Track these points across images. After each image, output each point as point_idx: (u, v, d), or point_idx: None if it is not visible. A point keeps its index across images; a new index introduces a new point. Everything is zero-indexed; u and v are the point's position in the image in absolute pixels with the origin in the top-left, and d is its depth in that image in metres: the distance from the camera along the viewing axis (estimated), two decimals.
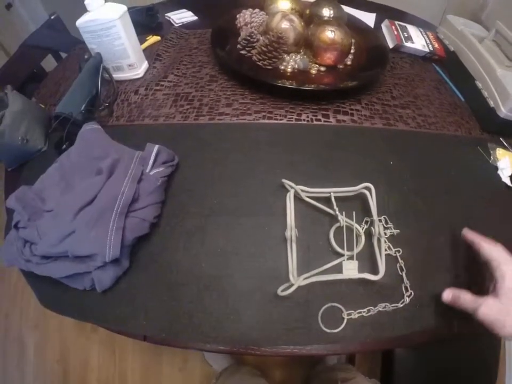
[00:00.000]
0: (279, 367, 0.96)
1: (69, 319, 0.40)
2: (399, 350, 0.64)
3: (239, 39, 0.56)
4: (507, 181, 0.51)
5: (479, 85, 0.61)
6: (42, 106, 0.61)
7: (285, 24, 0.54)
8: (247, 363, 0.90)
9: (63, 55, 0.75)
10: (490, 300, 0.33)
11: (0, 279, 1.08)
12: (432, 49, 0.67)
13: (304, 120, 0.52)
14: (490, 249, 0.36)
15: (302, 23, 0.56)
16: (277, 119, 0.52)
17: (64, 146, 0.52)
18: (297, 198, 0.43)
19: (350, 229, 0.41)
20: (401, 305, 0.38)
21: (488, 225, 0.44)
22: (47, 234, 0.39)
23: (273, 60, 0.53)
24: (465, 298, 0.35)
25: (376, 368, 0.71)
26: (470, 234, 0.40)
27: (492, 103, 0.58)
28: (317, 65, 0.57)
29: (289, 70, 0.56)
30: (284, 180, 0.42)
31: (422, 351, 0.64)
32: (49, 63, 0.75)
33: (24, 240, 0.41)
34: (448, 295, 0.37)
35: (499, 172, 0.52)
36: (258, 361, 0.92)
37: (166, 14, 0.74)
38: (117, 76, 0.60)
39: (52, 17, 0.76)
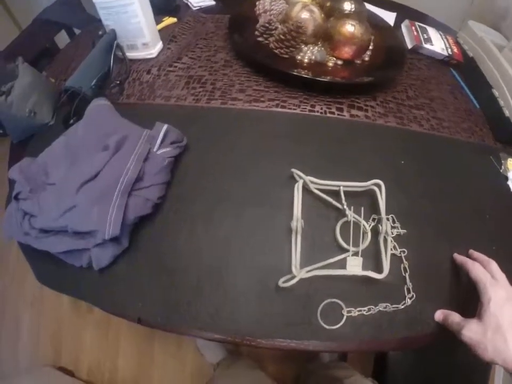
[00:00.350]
0: (272, 361, 0.95)
1: (65, 299, 0.40)
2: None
3: (257, 25, 0.55)
4: None
5: (496, 93, 0.60)
6: (53, 80, 0.61)
7: (304, 14, 0.53)
8: (241, 355, 0.90)
9: (77, 31, 0.74)
10: (474, 323, 0.33)
11: None
12: (450, 53, 0.66)
13: (317, 111, 0.51)
14: (478, 272, 0.36)
15: (323, 15, 0.55)
16: (290, 108, 0.51)
17: (72, 121, 0.51)
18: (305, 189, 0.42)
19: (356, 225, 0.40)
20: (402, 307, 0.37)
21: (495, 235, 0.43)
22: (48, 207, 0.39)
23: (291, 49, 0.52)
24: (452, 319, 0.35)
25: (368, 366, 0.70)
26: (459, 258, 0.40)
27: (507, 113, 0.57)
28: (334, 59, 0.56)
29: (306, 60, 0.55)
30: (293, 170, 0.42)
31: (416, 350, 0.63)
32: (62, 39, 0.74)
33: (24, 213, 0.40)
34: (439, 315, 0.37)
35: (509, 182, 0.51)
36: (252, 354, 0.91)
37: None
38: (130, 54, 0.60)
39: None
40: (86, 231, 0.37)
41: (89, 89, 0.52)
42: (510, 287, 0.35)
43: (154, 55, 0.60)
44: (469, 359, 0.63)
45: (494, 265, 0.37)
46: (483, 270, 0.36)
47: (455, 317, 0.35)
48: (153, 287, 0.37)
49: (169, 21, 0.66)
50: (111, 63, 0.56)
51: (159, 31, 0.63)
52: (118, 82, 0.56)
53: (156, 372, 0.95)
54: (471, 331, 0.33)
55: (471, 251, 0.41)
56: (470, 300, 0.36)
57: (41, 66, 0.69)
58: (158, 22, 0.65)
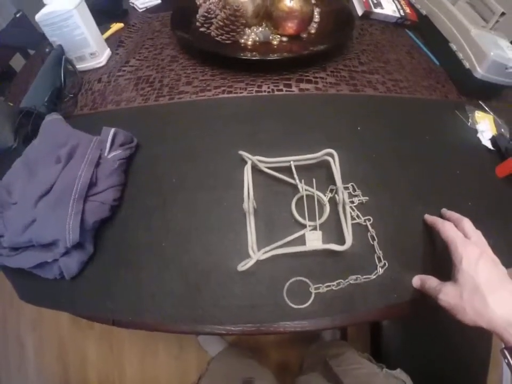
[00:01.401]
0: (274, 347, 0.95)
1: (64, 318, 0.40)
2: (386, 323, 0.62)
3: (198, 16, 0.55)
4: (487, 143, 0.49)
5: (454, 47, 0.59)
6: (11, 104, 0.61)
7: None
8: (240, 345, 0.90)
9: (32, 52, 0.75)
10: (449, 285, 0.32)
11: None
12: (403, 14, 0.65)
13: (264, 91, 0.51)
14: (448, 231, 0.34)
15: None
16: (236, 93, 0.51)
17: (33, 140, 0.52)
18: (259, 170, 0.42)
19: (314, 199, 0.39)
20: (374, 277, 0.36)
21: (469, 190, 0.42)
22: (12, 225, 0.39)
23: (232, 34, 0.52)
24: (430, 284, 0.34)
25: (368, 342, 0.70)
26: (430, 218, 0.38)
27: (467, 65, 0.56)
28: (279, 36, 0.55)
29: (249, 43, 0.54)
30: (240, 152, 0.41)
31: (410, 322, 0.63)
32: (18, 61, 0.74)
33: None
34: (417, 281, 0.36)
35: (479, 135, 0.50)
36: (253, 342, 0.91)
37: (130, 0, 0.73)
38: (81, 66, 0.60)
39: (17, 15, 0.76)
40: (48, 241, 0.38)
41: (42, 106, 0.52)
42: (484, 243, 0.34)
43: (103, 63, 0.60)
44: (465, 330, 0.62)
45: (466, 223, 0.35)
46: (454, 229, 0.34)
47: (432, 282, 0.34)
48: (120, 286, 0.37)
49: (116, 26, 0.66)
50: (62, 78, 0.56)
51: (108, 38, 0.64)
52: (72, 95, 0.56)
53: (162, 375, 0.96)
54: (447, 295, 0.31)
55: (444, 210, 0.39)
56: (446, 262, 0.35)
57: (0, 90, 0.70)
58: (105, 29, 0.65)
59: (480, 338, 0.63)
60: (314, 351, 0.72)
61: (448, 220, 0.37)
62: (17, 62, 0.74)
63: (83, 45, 0.57)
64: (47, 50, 0.59)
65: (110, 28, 0.65)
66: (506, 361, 0.29)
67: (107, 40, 0.62)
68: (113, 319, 0.37)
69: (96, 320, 0.38)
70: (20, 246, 0.39)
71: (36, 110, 0.51)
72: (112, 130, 0.44)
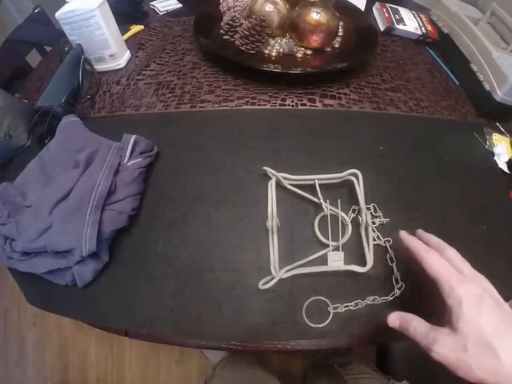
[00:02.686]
0: (277, 355, 0.95)
1: None
2: None
3: (222, 23, 0.54)
4: (503, 167, 0.49)
5: (474, 68, 0.58)
6: (25, 101, 0.60)
7: (268, 7, 0.52)
8: (242, 353, 0.90)
9: (48, 48, 0.74)
10: (447, 335, 0.25)
11: None
12: (425, 31, 0.65)
13: (288, 105, 0.50)
14: (437, 265, 0.28)
15: (287, 6, 0.54)
16: (260, 105, 0.50)
17: (47, 140, 0.51)
18: (281, 186, 0.41)
19: (336, 218, 0.39)
20: (391, 298, 0.36)
21: (484, 213, 0.42)
22: (25, 230, 0.39)
23: (257, 44, 0.51)
24: (416, 328, 0.27)
25: (373, 353, 0.70)
26: (408, 240, 0.32)
27: (487, 87, 0.55)
28: (303, 49, 0.55)
29: (273, 54, 0.54)
30: (265, 168, 0.41)
31: None
32: (35, 57, 0.74)
33: (5, 237, 0.40)
34: (394, 320, 0.29)
35: (495, 158, 0.50)
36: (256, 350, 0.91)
37: (150, 3, 0.72)
38: (99, 66, 0.59)
39: (36, 10, 0.75)
40: (63, 250, 0.37)
41: (59, 106, 0.52)
42: (481, 278, 0.28)
43: (122, 65, 0.59)
44: None
45: (453, 253, 0.29)
46: (443, 261, 0.28)
47: (418, 326, 0.27)
48: (136, 298, 0.36)
49: (136, 28, 0.65)
50: (80, 78, 0.55)
51: (127, 39, 0.63)
52: (89, 96, 0.56)
53: (163, 379, 0.96)
54: (445, 347, 0.25)
55: (420, 232, 0.34)
56: None
57: (15, 86, 0.69)
58: (125, 30, 0.65)
59: None
60: (320, 360, 0.72)
61: (426, 244, 0.31)
62: (34, 58, 0.73)
63: (103, 46, 0.57)
64: (66, 49, 0.58)
65: (130, 29, 0.65)
66: None
67: (126, 42, 0.61)
68: (127, 330, 0.36)
69: (108, 330, 0.37)
70: (33, 252, 0.39)
71: (52, 110, 0.51)
72: (133, 137, 0.43)
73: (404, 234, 0.33)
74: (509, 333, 0.24)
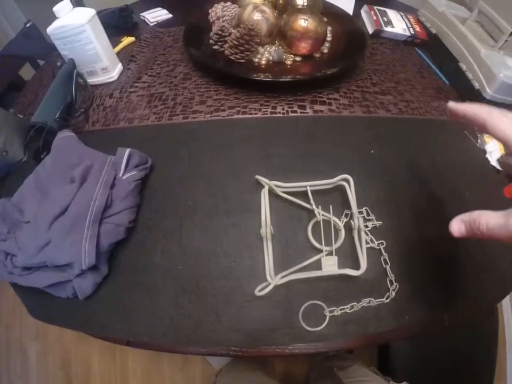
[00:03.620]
0: (279, 359, 0.95)
1: None
2: None
3: (211, 34, 0.55)
4: (495, 164, 0.49)
5: (463, 67, 0.59)
6: (21, 116, 0.61)
7: (256, 16, 0.53)
8: (244, 358, 0.90)
9: (41, 62, 0.74)
10: None
11: None
12: (413, 32, 0.65)
13: (279, 112, 0.51)
14: (505, 126, 0.24)
15: (275, 13, 0.54)
16: (251, 114, 0.51)
17: (43, 155, 0.52)
18: (274, 194, 0.42)
19: (329, 224, 0.40)
20: (387, 300, 0.36)
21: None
22: (25, 246, 0.39)
23: (246, 53, 0.52)
24: (488, 223, 0.23)
25: (374, 356, 0.70)
26: (460, 107, 0.27)
27: (477, 85, 0.56)
28: (292, 56, 0.56)
29: (263, 62, 0.55)
30: (257, 176, 0.41)
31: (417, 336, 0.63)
32: (28, 70, 0.74)
33: (5, 253, 0.40)
34: (459, 227, 0.25)
35: (487, 156, 0.50)
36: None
37: (141, 14, 0.73)
38: (92, 80, 0.60)
39: (27, 25, 0.75)
40: (64, 263, 0.38)
41: (54, 122, 0.52)
42: None
43: (115, 78, 0.60)
44: (474, 342, 0.62)
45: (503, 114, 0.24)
46: (509, 121, 0.24)
47: (490, 218, 0.23)
48: (136, 308, 0.37)
49: (127, 40, 0.66)
50: (73, 92, 0.56)
51: (119, 52, 0.64)
52: (83, 110, 0.56)
53: None
54: None
55: (453, 104, 0.28)
56: (458, 282, 0.35)
57: (9, 101, 0.70)
58: (116, 42, 0.65)
59: (487, 353, 0.64)
60: (320, 363, 0.73)
61: (472, 113, 0.26)
62: (27, 72, 0.73)
63: (95, 60, 0.57)
64: (58, 64, 0.59)
65: (121, 41, 0.65)
66: None
67: (117, 54, 0.62)
68: (128, 340, 0.37)
69: (110, 340, 0.38)
70: (33, 266, 0.39)
71: (47, 125, 0.51)
72: (127, 151, 0.44)
73: (452, 104, 0.28)
74: None
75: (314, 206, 0.39)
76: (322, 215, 0.39)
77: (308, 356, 0.90)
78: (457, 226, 0.25)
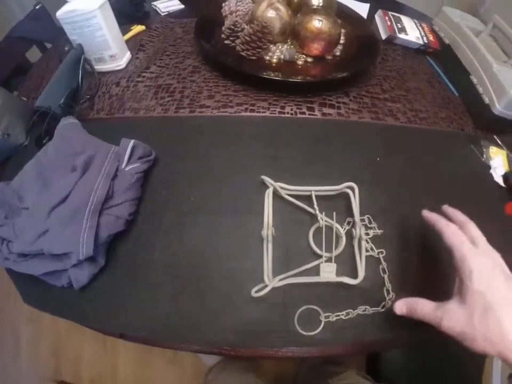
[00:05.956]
0: (270, 360, 0.95)
1: None
2: None
3: (223, 28, 0.54)
4: (499, 180, 0.49)
5: (474, 80, 0.59)
6: (24, 99, 0.60)
7: (270, 13, 0.52)
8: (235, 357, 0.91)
9: (49, 45, 0.73)
10: (453, 307, 0.26)
11: None
12: (426, 41, 0.65)
13: (288, 113, 0.50)
14: (454, 236, 0.29)
15: (289, 12, 0.53)
16: (259, 112, 0.50)
17: (45, 141, 0.51)
18: (278, 196, 0.41)
19: (331, 230, 0.39)
20: (382, 309, 0.36)
21: (478, 226, 0.42)
22: (22, 233, 0.39)
23: (258, 50, 0.51)
24: (423, 309, 0.28)
25: (363, 360, 0.71)
26: (430, 216, 0.33)
27: (486, 99, 0.56)
28: (304, 56, 0.55)
29: (274, 60, 0.54)
30: (263, 177, 0.41)
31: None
32: (34, 54, 0.73)
33: (2, 238, 0.40)
34: (401, 307, 0.30)
35: (491, 171, 0.50)
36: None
37: (152, 3, 0.72)
38: (99, 67, 0.59)
39: (37, 7, 0.74)
40: (61, 253, 0.37)
41: (58, 107, 0.51)
42: (493, 251, 0.29)
43: (123, 66, 0.59)
44: (460, 349, 0.63)
45: (472, 227, 0.31)
46: (459, 233, 0.29)
47: (425, 306, 0.28)
48: (133, 301, 0.37)
49: (137, 29, 0.65)
50: (80, 78, 0.55)
51: (128, 40, 0.63)
52: (88, 97, 0.55)
53: (156, 378, 0.96)
54: (452, 320, 0.26)
55: (446, 206, 0.35)
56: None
57: (14, 83, 0.69)
58: (126, 31, 0.64)
59: (477, 357, 0.64)
60: (313, 366, 0.73)
61: (449, 219, 0.32)
62: (34, 54, 0.72)
63: (103, 47, 0.56)
64: (66, 49, 0.58)
65: (131, 30, 0.64)
66: None
67: (127, 42, 0.61)
68: (121, 333, 0.37)
69: (103, 332, 0.38)
70: (30, 254, 0.39)
71: (51, 110, 0.51)
72: (132, 142, 0.43)
73: (425, 212, 0.34)
74: None
75: (317, 212, 0.39)
76: (325, 221, 0.39)
77: (300, 359, 0.90)
78: (399, 306, 0.30)
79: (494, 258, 0.28)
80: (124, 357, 0.99)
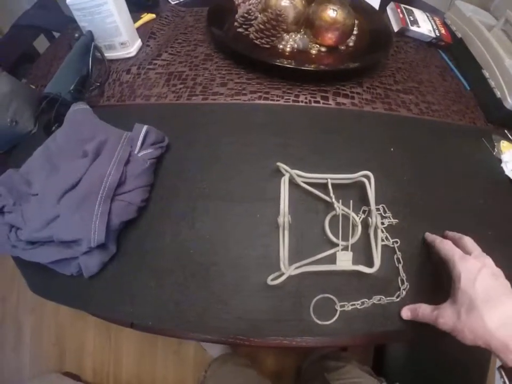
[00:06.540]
0: (271, 355, 0.95)
1: None
2: None
3: (237, 16, 0.54)
4: (510, 174, 0.49)
5: (486, 74, 0.58)
6: (33, 87, 0.59)
7: (284, 2, 0.51)
8: (240, 351, 0.90)
9: (56, 34, 0.72)
10: (446, 307, 0.31)
11: None
12: (438, 34, 0.64)
13: (302, 101, 0.50)
14: (447, 249, 0.33)
15: (303, 1, 0.53)
16: (273, 100, 0.50)
17: (54, 128, 0.50)
18: (292, 183, 0.41)
19: (346, 218, 0.39)
20: (397, 299, 0.36)
21: (490, 219, 0.42)
22: (31, 219, 0.38)
23: (271, 38, 0.51)
24: (422, 312, 0.33)
25: (368, 356, 0.70)
26: (429, 237, 0.38)
27: (498, 94, 0.55)
28: (318, 46, 0.55)
29: (288, 49, 0.54)
30: (279, 163, 0.40)
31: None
32: (42, 43, 0.72)
33: (10, 225, 0.39)
34: (406, 313, 0.35)
35: (502, 165, 0.50)
36: (251, 349, 0.92)
37: None
38: (109, 54, 0.58)
39: None
40: (71, 240, 0.37)
41: (68, 94, 0.51)
42: (485, 256, 0.32)
43: (133, 54, 0.58)
44: (465, 347, 0.63)
45: (468, 240, 0.35)
46: (451, 245, 0.33)
47: (424, 309, 0.33)
48: (142, 290, 0.36)
49: (148, 17, 0.64)
50: (90, 65, 0.54)
51: (138, 28, 0.62)
52: (98, 84, 0.55)
53: (159, 369, 0.96)
54: (445, 317, 0.30)
55: (446, 232, 0.39)
56: None
57: (22, 71, 0.68)
58: (136, 19, 0.63)
59: (481, 354, 0.64)
60: (314, 361, 0.73)
61: (450, 240, 0.36)
62: (41, 43, 0.71)
63: (114, 34, 0.56)
64: (76, 35, 0.57)
65: (141, 18, 0.64)
66: (502, 380, 0.29)
67: (137, 30, 0.60)
68: (132, 322, 0.36)
69: (113, 321, 0.37)
70: (38, 241, 0.38)
71: (61, 96, 0.50)
72: (145, 128, 0.43)
73: (426, 234, 0.39)
74: (497, 300, 0.28)
75: (334, 200, 0.38)
76: (342, 209, 0.38)
77: (301, 354, 0.90)
78: (405, 312, 0.35)
79: (482, 262, 0.31)
80: (128, 347, 0.98)
